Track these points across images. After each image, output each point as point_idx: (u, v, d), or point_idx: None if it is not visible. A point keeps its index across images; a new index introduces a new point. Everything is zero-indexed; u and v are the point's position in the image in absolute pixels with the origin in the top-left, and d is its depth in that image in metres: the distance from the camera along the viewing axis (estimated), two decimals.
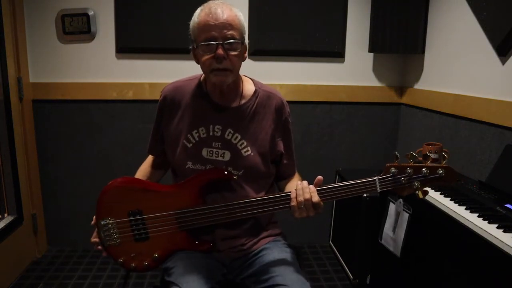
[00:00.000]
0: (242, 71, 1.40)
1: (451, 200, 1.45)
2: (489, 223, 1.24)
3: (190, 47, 1.27)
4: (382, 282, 2.06)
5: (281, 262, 1.26)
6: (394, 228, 1.25)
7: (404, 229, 1.22)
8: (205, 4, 1.20)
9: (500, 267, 1.16)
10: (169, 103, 1.32)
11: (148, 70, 2.54)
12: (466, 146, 2.01)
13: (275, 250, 1.32)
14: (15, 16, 2.29)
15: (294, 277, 1.20)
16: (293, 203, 1.14)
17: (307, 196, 1.12)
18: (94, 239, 1.30)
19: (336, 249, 2.64)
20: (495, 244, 1.15)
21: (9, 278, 2.25)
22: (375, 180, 1.13)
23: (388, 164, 1.14)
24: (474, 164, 1.94)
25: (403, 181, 1.12)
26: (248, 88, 1.33)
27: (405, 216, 1.18)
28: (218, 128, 1.28)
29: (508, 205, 1.36)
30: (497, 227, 1.20)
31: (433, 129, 2.29)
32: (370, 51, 2.58)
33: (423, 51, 2.44)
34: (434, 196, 1.50)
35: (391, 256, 1.98)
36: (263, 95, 1.33)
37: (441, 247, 1.70)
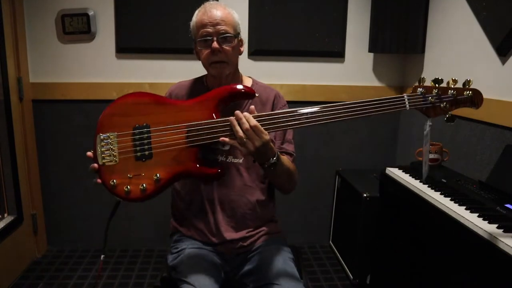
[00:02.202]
0: (243, 71, 1.43)
1: (451, 200, 1.45)
2: (489, 223, 1.24)
3: (193, 47, 1.36)
4: (382, 282, 2.06)
5: (277, 260, 1.29)
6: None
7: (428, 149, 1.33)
8: (202, 6, 1.32)
9: (500, 267, 1.15)
10: (173, 98, 1.41)
11: (148, 70, 2.54)
12: (466, 146, 2.01)
13: (273, 248, 1.35)
14: (15, 16, 2.29)
15: (288, 277, 1.23)
16: (237, 136, 1.11)
17: (243, 121, 1.10)
18: (90, 153, 1.19)
19: (336, 249, 2.64)
20: (495, 244, 1.15)
21: (9, 278, 2.25)
22: (403, 96, 1.16)
23: (415, 85, 1.17)
24: (474, 164, 1.94)
25: (431, 100, 1.15)
26: (246, 83, 1.43)
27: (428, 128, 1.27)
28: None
29: (508, 205, 1.36)
30: (497, 227, 1.20)
31: (433, 129, 2.28)
32: (370, 51, 2.58)
33: (423, 51, 2.44)
34: (434, 196, 1.50)
35: (391, 256, 1.98)
36: (259, 89, 1.42)
37: (441, 247, 1.70)
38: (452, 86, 1.15)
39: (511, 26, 1.70)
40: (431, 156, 1.90)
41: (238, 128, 1.10)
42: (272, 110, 1.39)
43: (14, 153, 2.30)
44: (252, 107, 1.15)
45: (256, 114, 1.13)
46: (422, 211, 1.58)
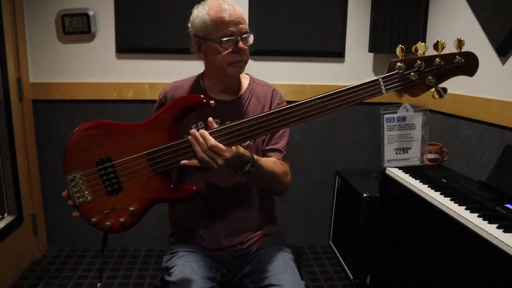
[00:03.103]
0: None
1: (451, 200, 1.45)
2: (489, 223, 1.24)
3: (192, 47, 1.30)
4: (382, 282, 2.06)
5: (277, 261, 1.27)
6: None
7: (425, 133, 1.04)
8: (211, 2, 1.23)
9: (500, 267, 1.16)
10: (169, 100, 1.36)
11: (148, 70, 2.54)
12: (466, 146, 2.01)
13: (272, 249, 1.33)
14: (15, 16, 2.29)
15: (289, 278, 1.21)
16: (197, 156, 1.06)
17: (201, 141, 1.05)
18: (65, 192, 1.16)
19: (336, 249, 2.64)
20: (495, 244, 1.15)
21: (9, 278, 2.25)
22: (378, 79, 0.97)
23: (392, 60, 0.97)
24: (474, 164, 1.94)
25: (413, 78, 0.94)
26: (244, 82, 1.39)
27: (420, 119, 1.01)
28: (216, 122, 1.28)
29: (508, 205, 1.36)
30: (497, 227, 1.20)
31: (433, 129, 2.29)
32: (370, 51, 2.58)
33: None
34: (434, 196, 1.50)
35: (391, 256, 1.98)
36: (257, 87, 1.39)
37: (441, 247, 1.71)
38: (439, 52, 0.95)
39: (511, 26, 1.70)
40: (431, 156, 1.90)
41: (197, 148, 1.05)
42: (270, 107, 1.36)
43: (14, 153, 2.30)
44: (210, 119, 1.09)
45: (215, 128, 1.08)
46: (422, 211, 1.58)
